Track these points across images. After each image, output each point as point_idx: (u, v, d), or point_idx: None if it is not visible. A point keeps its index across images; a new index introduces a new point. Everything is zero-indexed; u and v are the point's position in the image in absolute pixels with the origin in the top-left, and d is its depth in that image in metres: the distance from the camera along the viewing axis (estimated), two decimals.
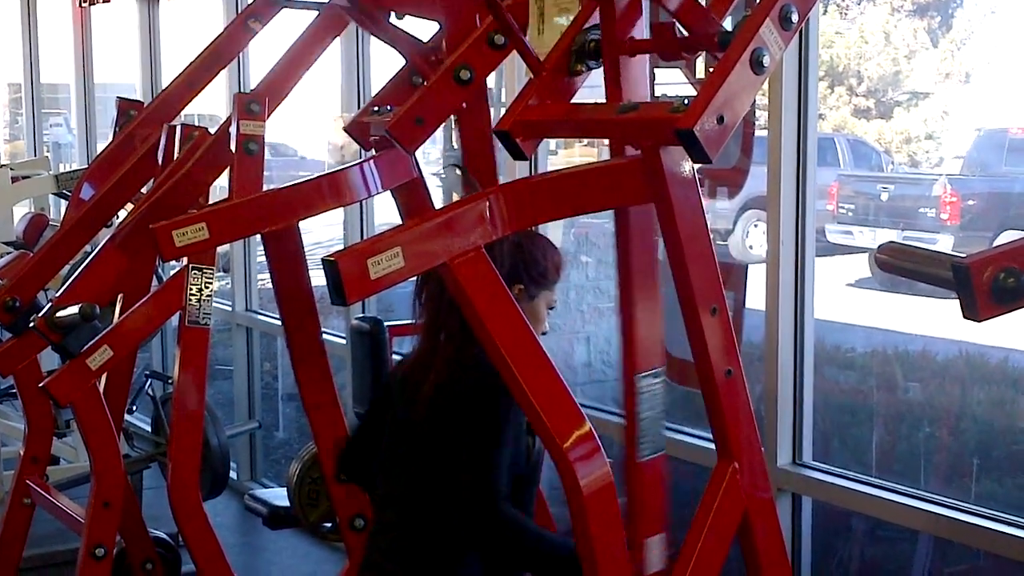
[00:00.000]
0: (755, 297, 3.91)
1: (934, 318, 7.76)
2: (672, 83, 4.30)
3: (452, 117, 3.30)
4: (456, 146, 7.71)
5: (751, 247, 9.85)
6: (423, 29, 3.47)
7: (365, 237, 5.52)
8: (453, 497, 2.53)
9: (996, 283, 1.69)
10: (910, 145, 13.19)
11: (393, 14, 3.40)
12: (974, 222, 9.89)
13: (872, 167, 12.26)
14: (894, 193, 10.85)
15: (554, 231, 4.87)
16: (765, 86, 2.99)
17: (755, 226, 9.77)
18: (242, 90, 5.91)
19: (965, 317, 1.72)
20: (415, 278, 2.64)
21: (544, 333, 2.70)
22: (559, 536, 2.62)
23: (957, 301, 1.72)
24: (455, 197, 3.65)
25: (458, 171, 3.38)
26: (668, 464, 2.54)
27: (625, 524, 2.43)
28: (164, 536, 4.84)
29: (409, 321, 2.83)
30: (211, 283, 3.74)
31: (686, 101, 2.11)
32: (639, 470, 2.49)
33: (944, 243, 9.37)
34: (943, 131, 12.87)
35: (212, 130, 3.90)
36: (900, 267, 1.92)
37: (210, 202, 3.81)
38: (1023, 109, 10.83)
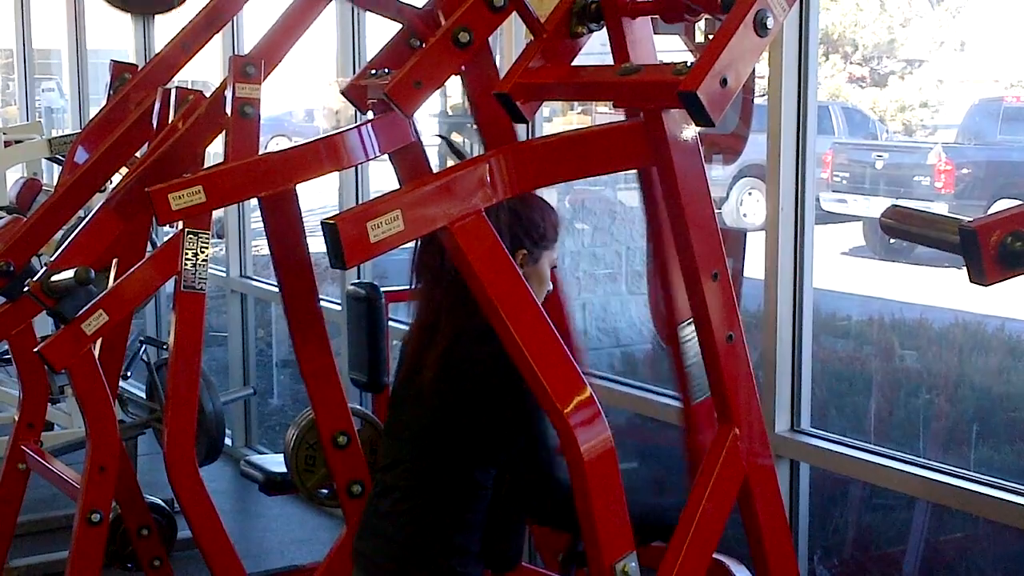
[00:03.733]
0: (752, 265, 3.90)
1: (930, 286, 7.77)
2: (669, 50, 4.27)
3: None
4: (450, 113, 7.64)
5: (745, 215, 9.85)
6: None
7: (360, 203, 5.49)
8: (513, 478, 2.58)
9: (1003, 247, 1.67)
10: (905, 113, 13.17)
11: None
12: (969, 190, 9.89)
13: (867, 135, 12.24)
14: (889, 161, 10.84)
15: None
16: (765, 53, 2.97)
17: (749, 194, 9.77)
18: (237, 53, 5.86)
19: (972, 281, 1.70)
20: (413, 244, 2.63)
21: (550, 291, 2.70)
22: None
23: (963, 265, 1.70)
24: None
25: (440, 139, 3.34)
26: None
27: (688, 462, 2.63)
28: (160, 502, 4.83)
29: (406, 287, 2.81)
30: (207, 247, 3.71)
31: (689, 64, 2.09)
32: (694, 413, 2.64)
33: (939, 211, 9.35)
34: (938, 100, 12.85)
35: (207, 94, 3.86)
36: (905, 231, 1.90)
37: (205, 166, 3.78)
38: (1018, 77, 10.81)
